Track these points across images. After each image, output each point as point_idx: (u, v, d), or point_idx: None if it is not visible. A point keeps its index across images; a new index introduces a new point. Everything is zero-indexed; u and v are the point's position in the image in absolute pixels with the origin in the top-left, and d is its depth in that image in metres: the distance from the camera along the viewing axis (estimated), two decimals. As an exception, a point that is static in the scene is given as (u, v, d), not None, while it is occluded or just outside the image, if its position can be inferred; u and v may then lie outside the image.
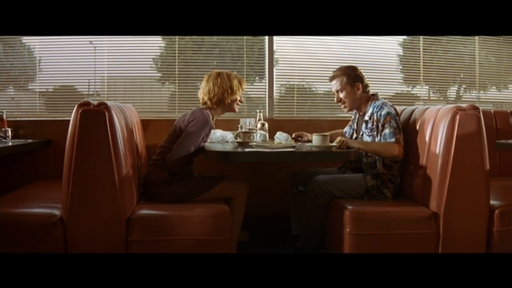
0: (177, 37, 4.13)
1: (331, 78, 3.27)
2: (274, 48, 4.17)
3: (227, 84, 3.15)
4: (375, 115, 3.12)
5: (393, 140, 3.01)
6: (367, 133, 3.18)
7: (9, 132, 3.55)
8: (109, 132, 2.55)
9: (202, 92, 3.21)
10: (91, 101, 2.58)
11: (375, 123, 3.12)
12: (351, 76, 3.20)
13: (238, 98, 3.22)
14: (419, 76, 4.47)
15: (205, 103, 3.20)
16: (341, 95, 3.23)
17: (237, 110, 3.27)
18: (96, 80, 4.16)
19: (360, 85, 3.21)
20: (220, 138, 3.28)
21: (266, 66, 4.17)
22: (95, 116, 2.55)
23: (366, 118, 3.20)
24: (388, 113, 3.06)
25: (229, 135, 3.32)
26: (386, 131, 3.03)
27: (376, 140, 3.10)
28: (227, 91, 3.15)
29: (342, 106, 3.29)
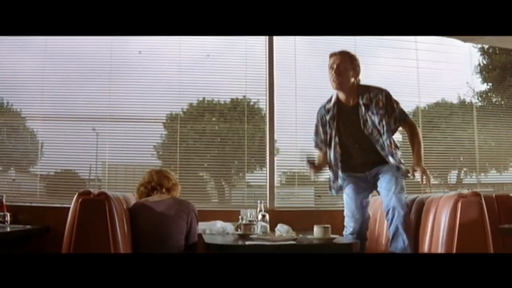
0: (178, 125, 4.20)
1: (336, 53, 3.23)
2: (275, 137, 4.23)
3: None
4: (378, 96, 3.17)
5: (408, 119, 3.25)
6: (372, 114, 3.15)
7: (8, 216, 3.50)
8: (108, 222, 2.55)
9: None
10: (92, 190, 2.60)
11: (381, 103, 3.15)
12: (356, 60, 3.23)
13: None
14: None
15: None
16: (342, 70, 3.17)
17: None
18: (98, 166, 4.18)
19: (359, 71, 3.23)
20: (220, 230, 3.24)
21: (267, 156, 4.20)
22: (95, 206, 2.56)
23: (364, 101, 3.18)
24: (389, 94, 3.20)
25: (229, 227, 3.29)
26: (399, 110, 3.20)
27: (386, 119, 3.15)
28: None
29: (335, 79, 3.18)
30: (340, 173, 3.31)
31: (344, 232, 3.25)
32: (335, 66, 3.18)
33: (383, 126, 3.15)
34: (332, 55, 3.24)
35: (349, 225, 3.24)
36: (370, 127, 3.17)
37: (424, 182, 3.02)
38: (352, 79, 3.21)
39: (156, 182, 3.18)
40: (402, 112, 3.21)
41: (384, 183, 3.13)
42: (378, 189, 3.22)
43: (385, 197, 3.08)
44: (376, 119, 3.15)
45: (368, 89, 3.21)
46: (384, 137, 3.15)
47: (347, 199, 3.28)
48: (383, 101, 3.16)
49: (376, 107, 3.16)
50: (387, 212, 3.03)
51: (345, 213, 3.30)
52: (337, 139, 3.29)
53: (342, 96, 3.26)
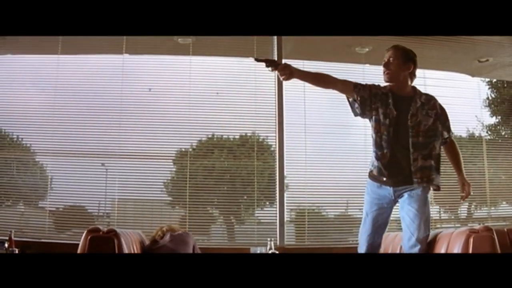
0: (188, 161, 4.21)
1: (390, 47, 3.12)
2: (285, 173, 4.21)
3: None
4: (434, 101, 3.07)
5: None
6: (426, 114, 2.99)
7: (16, 252, 3.49)
8: (117, 260, 2.51)
9: None
10: (101, 227, 2.60)
11: (438, 109, 3.04)
12: (409, 55, 3.09)
13: None
14: (429, 196, 4.45)
15: None
16: (391, 64, 3.05)
17: None
18: (107, 202, 4.17)
19: (412, 67, 3.07)
20: (230, 268, 3.21)
21: (277, 192, 4.16)
22: (104, 243, 2.55)
23: (423, 100, 3.02)
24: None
25: (239, 265, 3.25)
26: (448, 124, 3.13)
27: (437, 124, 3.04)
28: None
29: (384, 71, 3.07)
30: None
31: None
32: (385, 59, 3.10)
33: (434, 130, 3.02)
34: (387, 50, 3.16)
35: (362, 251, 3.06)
36: (421, 126, 2.98)
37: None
38: (403, 73, 3.07)
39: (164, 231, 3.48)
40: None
41: (408, 218, 2.91)
42: (401, 219, 3.00)
43: (406, 241, 2.91)
44: (429, 121, 3.01)
45: (423, 92, 3.12)
46: (435, 141, 3.02)
47: (365, 217, 3.05)
48: (439, 107, 3.08)
49: (432, 110, 3.04)
50: None
51: (360, 235, 3.07)
52: (381, 118, 3.04)
53: (394, 87, 3.11)
